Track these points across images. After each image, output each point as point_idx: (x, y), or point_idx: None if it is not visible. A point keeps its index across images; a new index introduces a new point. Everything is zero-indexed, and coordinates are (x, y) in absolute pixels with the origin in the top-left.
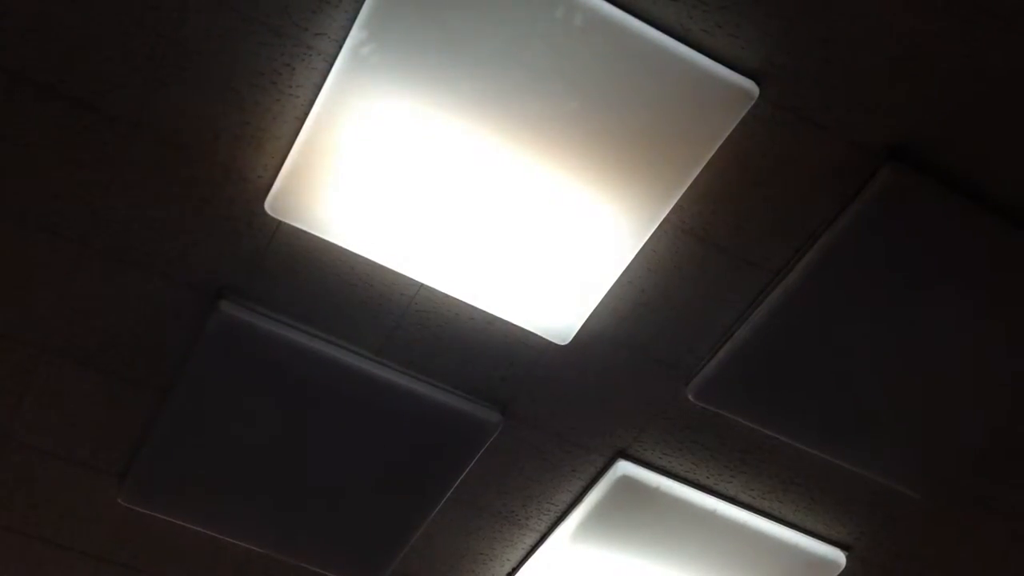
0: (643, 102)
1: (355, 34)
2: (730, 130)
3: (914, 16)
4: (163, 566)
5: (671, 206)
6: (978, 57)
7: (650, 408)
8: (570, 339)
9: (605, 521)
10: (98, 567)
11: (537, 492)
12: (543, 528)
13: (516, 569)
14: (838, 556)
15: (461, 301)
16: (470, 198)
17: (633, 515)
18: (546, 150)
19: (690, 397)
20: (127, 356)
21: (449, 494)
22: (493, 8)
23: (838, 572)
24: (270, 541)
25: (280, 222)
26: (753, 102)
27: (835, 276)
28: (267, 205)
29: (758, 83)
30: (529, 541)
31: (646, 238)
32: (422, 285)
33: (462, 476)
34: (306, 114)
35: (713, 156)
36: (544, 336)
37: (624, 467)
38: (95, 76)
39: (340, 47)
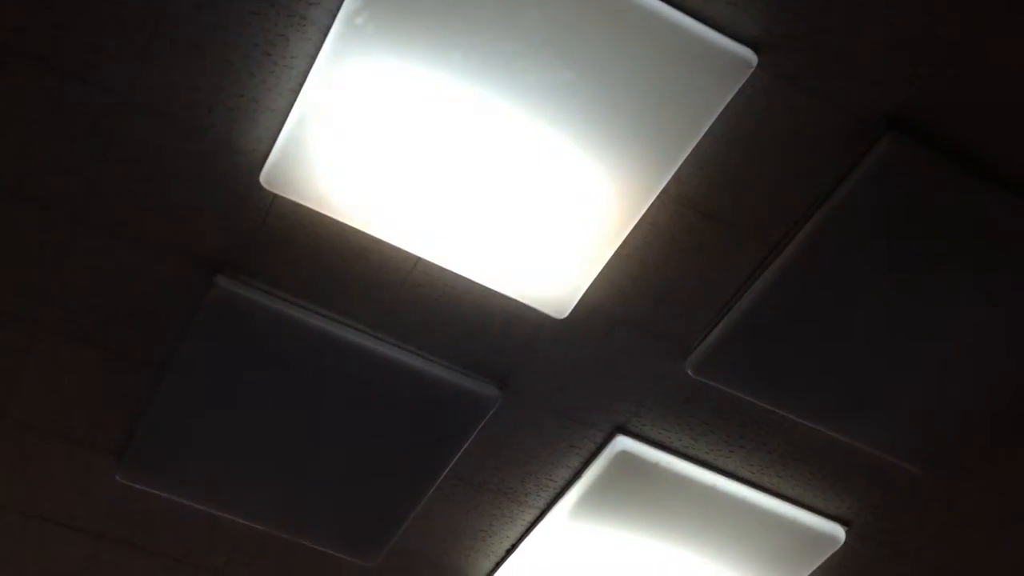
0: (640, 71)
1: (349, 3)
2: (728, 100)
3: None
4: (161, 543)
5: (669, 177)
6: (979, 26)
7: (649, 383)
8: (568, 313)
9: (604, 497)
10: (96, 544)
11: (535, 468)
12: (542, 504)
13: (515, 545)
14: (837, 531)
15: (458, 275)
16: (466, 170)
17: (632, 491)
18: (542, 121)
19: (689, 371)
20: (123, 332)
21: (447, 470)
22: None
23: (837, 547)
24: (267, 518)
25: (276, 196)
26: (751, 71)
27: (835, 248)
28: (263, 178)
29: (756, 52)
30: (528, 517)
31: (644, 210)
32: (419, 259)
33: (460, 452)
34: (301, 85)
35: (711, 126)
36: (542, 310)
37: (623, 442)
38: (87, 48)
39: (334, 17)
